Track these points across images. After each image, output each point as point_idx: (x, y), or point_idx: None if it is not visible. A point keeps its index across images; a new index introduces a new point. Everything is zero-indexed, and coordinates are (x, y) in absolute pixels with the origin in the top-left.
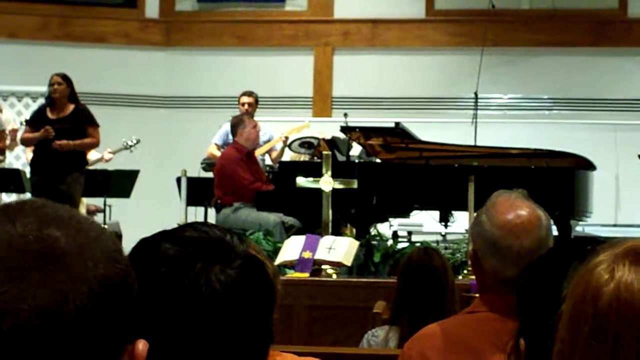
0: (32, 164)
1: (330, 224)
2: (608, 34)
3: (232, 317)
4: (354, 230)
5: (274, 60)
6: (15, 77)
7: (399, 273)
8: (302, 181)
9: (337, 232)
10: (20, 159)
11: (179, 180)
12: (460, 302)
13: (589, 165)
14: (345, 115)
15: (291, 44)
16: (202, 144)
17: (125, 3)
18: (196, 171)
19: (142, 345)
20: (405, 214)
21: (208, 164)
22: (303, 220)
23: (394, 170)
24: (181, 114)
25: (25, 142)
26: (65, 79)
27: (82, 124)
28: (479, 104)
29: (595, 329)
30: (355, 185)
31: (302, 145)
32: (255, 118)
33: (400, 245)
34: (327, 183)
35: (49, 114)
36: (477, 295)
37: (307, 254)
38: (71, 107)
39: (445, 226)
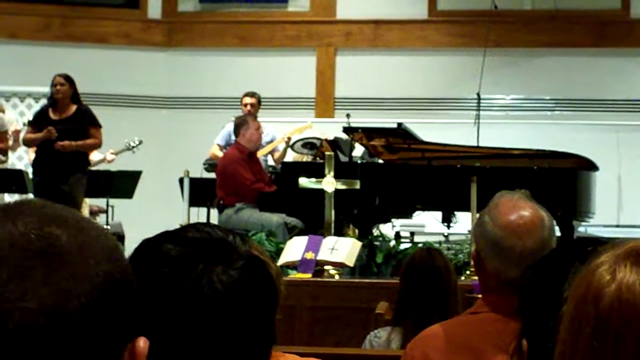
0: (35, 164)
1: (332, 225)
2: (610, 34)
3: (234, 317)
4: (357, 230)
5: (276, 61)
6: (17, 78)
7: (402, 273)
8: (304, 182)
9: (339, 232)
10: (22, 159)
11: (181, 180)
12: (462, 303)
13: (592, 166)
14: (348, 115)
15: (293, 44)
16: (205, 145)
17: (127, 4)
18: (199, 172)
19: (142, 343)
20: (408, 215)
21: (210, 165)
22: (305, 221)
23: (396, 171)
24: (183, 115)
25: (27, 143)
26: (68, 79)
27: (85, 124)
28: (481, 104)
29: (596, 330)
30: (357, 186)
31: (304, 146)
32: (258, 119)
33: (402, 246)
34: (329, 184)
35: (52, 115)
36: (480, 296)
37: (309, 255)
38: (74, 107)
39: (448, 227)
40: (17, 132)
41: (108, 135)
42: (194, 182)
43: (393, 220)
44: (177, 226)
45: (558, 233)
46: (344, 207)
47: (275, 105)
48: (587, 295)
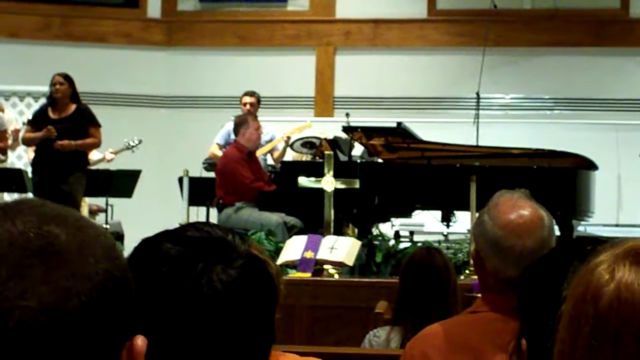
0: (34, 163)
1: (332, 224)
2: (610, 34)
3: (234, 316)
4: (356, 230)
5: (275, 60)
6: (16, 77)
7: (401, 272)
8: (304, 181)
9: (339, 232)
10: (22, 158)
11: (180, 180)
12: (462, 302)
13: (591, 165)
14: (347, 115)
15: (293, 43)
16: (204, 144)
17: (126, 3)
18: (198, 171)
19: (140, 341)
20: (407, 214)
21: (210, 164)
22: (305, 220)
23: (395, 170)
24: (183, 114)
25: (27, 142)
26: (67, 78)
27: (84, 124)
28: (480, 104)
29: (595, 329)
30: (357, 185)
31: (304, 145)
32: (257, 118)
33: (402, 245)
34: (329, 183)
35: (51, 114)
36: (479, 295)
37: (309, 254)
38: (73, 107)
39: (447, 226)
40: (16, 132)
41: (107, 135)
42: (194, 181)
43: (392, 219)
44: (177, 225)
45: (557, 232)
46: (344, 207)
47: (274, 104)
48: (586, 295)
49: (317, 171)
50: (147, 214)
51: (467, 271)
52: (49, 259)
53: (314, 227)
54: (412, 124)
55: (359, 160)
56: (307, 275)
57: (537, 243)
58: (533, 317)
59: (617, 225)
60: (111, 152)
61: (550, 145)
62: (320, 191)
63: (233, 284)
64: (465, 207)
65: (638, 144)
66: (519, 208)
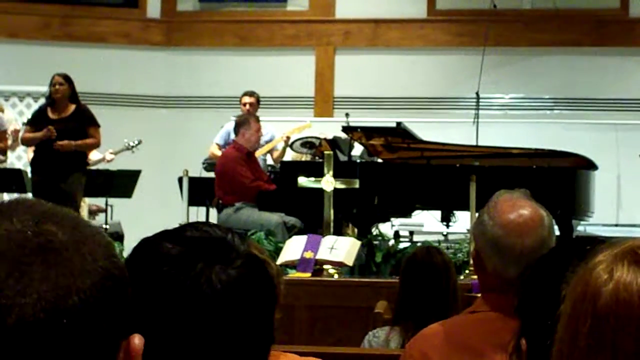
0: (33, 164)
1: (331, 224)
2: (609, 33)
3: (233, 316)
4: (356, 230)
5: (275, 60)
6: (16, 77)
7: (402, 272)
8: (303, 181)
9: (338, 232)
10: (21, 159)
11: (180, 180)
12: (461, 302)
13: (591, 165)
14: (347, 115)
15: (292, 44)
16: (204, 144)
17: (126, 3)
18: (198, 171)
19: (137, 340)
20: (407, 214)
21: (210, 164)
22: (305, 220)
23: (395, 170)
24: (182, 114)
25: (26, 142)
26: (67, 79)
27: (84, 124)
28: (480, 103)
29: (594, 329)
30: (356, 185)
31: (303, 145)
32: (259, 119)
33: (401, 245)
34: (328, 183)
35: (50, 114)
36: (479, 295)
37: (308, 254)
38: (72, 107)
39: (447, 226)
40: (16, 132)
41: (107, 135)
42: (193, 181)
43: (392, 219)
44: (176, 225)
45: (557, 232)
46: (343, 207)
47: (274, 104)
48: (585, 294)
49: (316, 171)
50: (147, 214)
51: (466, 271)
52: (47, 256)
53: (314, 227)
54: (411, 123)
55: (358, 160)
56: (307, 275)
57: (537, 242)
58: (533, 316)
59: (616, 225)
60: (111, 153)
61: (550, 145)
62: (320, 191)
63: (232, 283)
64: (465, 207)
65: (638, 144)
66: (518, 207)
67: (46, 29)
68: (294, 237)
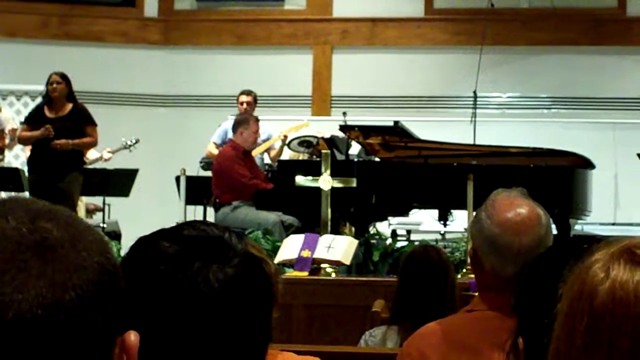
0: (30, 162)
1: (329, 223)
2: (607, 32)
3: (230, 315)
4: (353, 229)
5: (272, 59)
6: (14, 76)
7: (400, 270)
8: (301, 180)
9: (336, 230)
10: (19, 158)
11: (178, 179)
12: (459, 301)
13: (588, 164)
14: (344, 114)
15: (290, 42)
16: (201, 143)
17: (124, 2)
18: (195, 170)
19: (133, 336)
20: (404, 213)
21: (207, 163)
22: (302, 219)
23: (393, 169)
24: (180, 113)
25: (23, 141)
26: (64, 77)
27: (81, 123)
28: (477, 102)
29: (590, 328)
30: (354, 184)
31: (301, 144)
32: (259, 120)
33: (399, 244)
34: (326, 182)
35: (47, 113)
36: (477, 293)
37: (306, 253)
38: (69, 106)
39: (444, 225)
40: (13, 131)
41: (105, 134)
42: (191, 180)
43: (389, 218)
44: (174, 224)
45: (555, 231)
46: (341, 205)
47: (271, 103)
48: (582, 293)
49: (314, 170)
50: (145, 213)
51: (464, 270)
52: (43, 253)
53: (311, 225)
54: (409, 122)
55: (356, 159)
56: (304, 274)
57: (534, 241)
58: (530, 315)
59: (614, 224)
60: (109, 152)
61: (547, 144)
62: (318, 190)
63: (229, 282)
64: (462, 206)
65: (635, 143)
66: (516, 206)
67: (44, 28)
68: (292, 236)
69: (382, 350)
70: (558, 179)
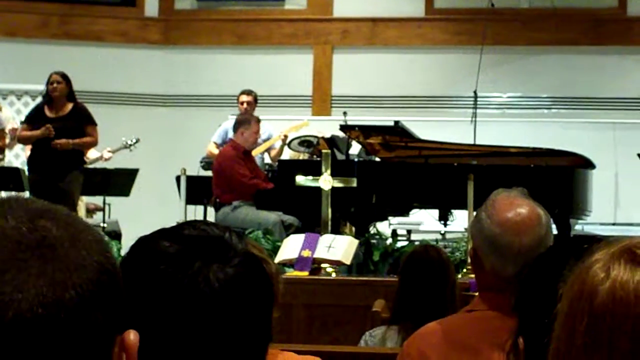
0: (30, 162)
1: (329, 223)
2: (607, 32)
3: (231, 315)
4: (353, 228)
5: (273, 59)
6: (14, 76)
7: (401, 270)
8: (301, 180)
9: (336, 230)
10: (19, 157)
11: (178, 178)
12: (459, 301)
13: (588, 164)
14: (345, 113)
15: (290, 42)
16: (202, 143)
17: (124, 2)
18: (195, 170)
19: (132, 335)
20: (405, 213)
21: (207, 163)
22: (302, 219)
23: (393, 168)
24: (180, 113)
25: (23, 140)
26: (64, 77)
27: (81, 122)
28: (478, 102)
29: (590, 328)
30: (354, 184)
31: (301, 143)
32: (260, 121)
33: (399, 244)
34: (326, 181)
35: (48, 113)
36: (477, 293)
37: (306, 253)
38: (70, 105)
39: (445, 225)
40: (14, 130)
41: (105, 133)
42: (191, 180)
43: (390, 218)
44: (174, 224)
45: (555, 231)
46: (341, 205)
47: (272, 103)
48: (582, 293)
49: (314, 170)
50: (145, 212)
51: (464, 270)
52: (43, 252)
53: (312, 225)
54: (409, 122)
55: (356, 159)
56: (305, 274)
57: (535, 241)
58: (530, 315)
59: (614, 224)
60: (109, 151)
61: (547, 144)
62: (318, 190)
63: (230, 282)
64: (462, 206)
65: (635, 143)
66: (516, 206)
67: (44, 27)
68: (292, 236)
69: (382, 350)
70: (558, 179)
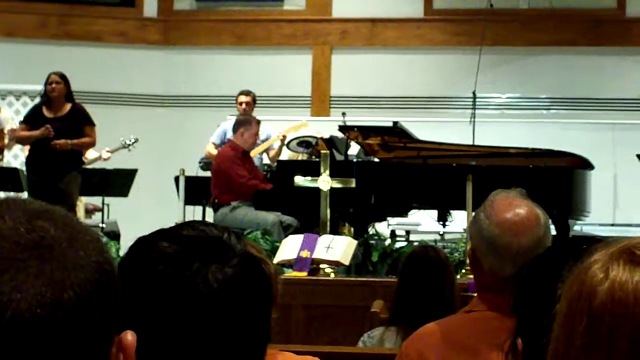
0: (29, 162)
1: (328, 223)
2: (606, 33)
3: (230, 316)
4: (352, 229)
5: (272, 60)
6: (13, 76)
7: (401, 271)
8: (300, 180)
9: (335, 231)
10: (18, 158)
11: (177, 179)
12: (458, 302)
13: (587, 165)
14: (344, 114)
15: (289, 43)
16: (201, 144)
17: (123, 2)
18: (194, 170)
19: (130, 336)
20: (404, 214)
21: (206, 163)
22: (301, 220)
23: (392, 169)
24: (179, 114)
25: (21, 141)
26: (63, 78)
27: (80, 123)
28: (477, 103)
29: (590, 328)
30: (353, 185)
31: (300, 144)
32: (260, 123)
33: (398, 245)
34: (325, 182)
35: (46, 113)
36: (476, 294)
37: (305, 253)
38: (68, 106)
39: (444, 225)
40: (13, 131)
41: (104, 134)
42: (190, 180)
43: (389, 219)
44: (173, 225)
45: (554, 232)
46: (340, 206)
47: (271, 104)
48: (581, 294)
49: (313, 170)
50: (144, 213)
51: (463, 271)
52: (41, 252)
53: (311, 226)
54: (408, 123)
55: (355, 160)
56: (304, 274)
57: (533, 241)
58: (529, 316)
59: (613, 225)
60: (108, 151)
61: (546, 145)
62: (317, 190)
63: (229, 282)
64: (461, 207)
65: (635, 144)
66: (515, 207)
67: (44, 28)
68: (291, 237)
69: (381, 351)
70: (557, 179)
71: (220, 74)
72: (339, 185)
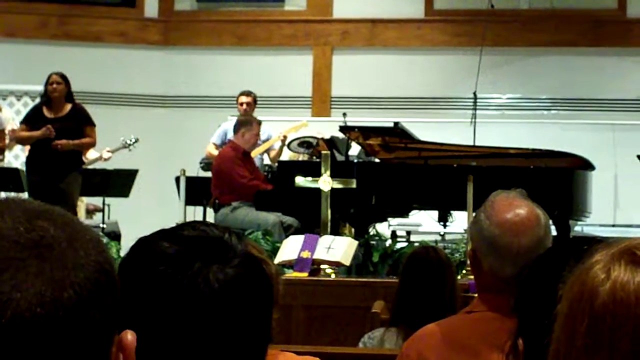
0: (29, 162)
1: (329, 224)
2: (607, 34)
3: (230, 316)
4: (353, 229)
5: (272, 60)
6: (13, 76)
7: (402, 270)
8: (300, 181)
9: (335, 231)
10: (19, 158)
11: (177, 179)
12: (459, 302)
13: (588, 165)
14: (344, 115)
15: (290, 43)
16: (201, 144)
17: (124, 2)
18: (195, 171)
19: (130, 336)
20: (404, 214)
21: (207, 164)
22: (302, 220)
23: (392, 170)
24: (180, 114)
25: (22, 141)
26: (64, 78)
27: (80, 123)
28: (477, 103)
29: (591, 329)
30: (354, 185)
31: (301, 144)
32: (261, 124)
33: (398, 245)
34: (325, 183)
35: (46, 113)
36: (476, 295)
37: (305, 254)
38: (68, 106)
39: (444, 226)
40: (13, 131)
41: (104, 134)
42: (191, 181)
43: (389, 219)
44: (174, 225)
45: (554, 232)
46: (340, 206)
47: (271, 104)
48: (582, 294)
49: (314, 171)
50: (144, 213)
51: (463, 271)
52: (41, 251)
53: (311, 226)
54: (409, 123)
55: (356, 160)
56: (304, 275)
57: (533, 242)
58: (530, 316)
59: (614, 226)
60: (108, 151)
61: (547, 145)
62: (317, 191)
63: (230, 283)
64: (462, 207)
65: (635, 144)
66: (515, 207)
67: (44, 28)
68: (291, 237)
69: (381, 351)
70: (558, 180)
71: (221, 74)
72: (339, 186)
